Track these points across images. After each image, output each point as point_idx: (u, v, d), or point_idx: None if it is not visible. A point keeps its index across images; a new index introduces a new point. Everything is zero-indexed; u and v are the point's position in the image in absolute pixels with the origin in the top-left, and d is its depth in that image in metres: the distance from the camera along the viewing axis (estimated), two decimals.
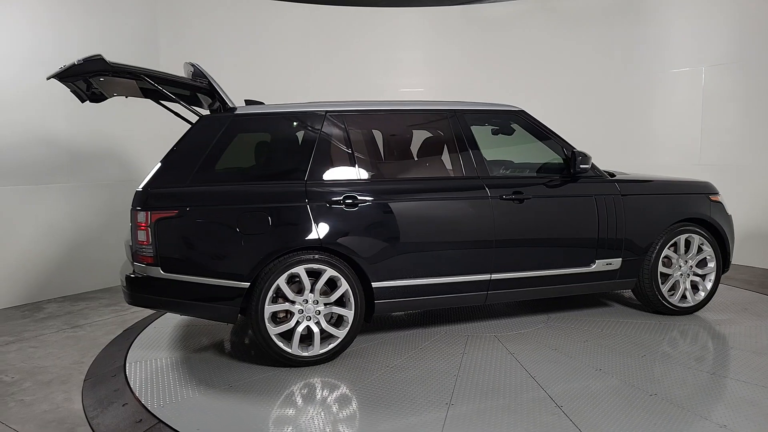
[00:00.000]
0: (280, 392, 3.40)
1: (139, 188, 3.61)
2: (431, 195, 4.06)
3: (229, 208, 3.64)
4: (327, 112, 4.03)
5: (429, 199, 4.04)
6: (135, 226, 3.57)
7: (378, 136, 4.50)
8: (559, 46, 8.05)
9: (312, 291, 3.75)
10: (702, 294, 4.75)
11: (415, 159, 4.55)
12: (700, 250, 4.71)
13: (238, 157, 3.99)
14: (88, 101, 4.28)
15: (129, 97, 4.46)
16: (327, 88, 7.75)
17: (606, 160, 6.58)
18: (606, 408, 3.10)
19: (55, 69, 3.63)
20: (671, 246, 4.62)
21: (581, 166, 4.30)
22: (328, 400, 3.32)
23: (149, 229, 3.51)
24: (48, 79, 3.68)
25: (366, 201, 3.86)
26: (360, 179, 3.97)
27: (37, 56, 5.53)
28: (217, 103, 3.94)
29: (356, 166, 3.99)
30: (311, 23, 8.03)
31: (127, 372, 3.76)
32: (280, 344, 3.69)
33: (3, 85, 5.45)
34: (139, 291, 3.64)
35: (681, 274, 4.67)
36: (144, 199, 3.57)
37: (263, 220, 3.66)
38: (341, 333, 3.81)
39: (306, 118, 4.00)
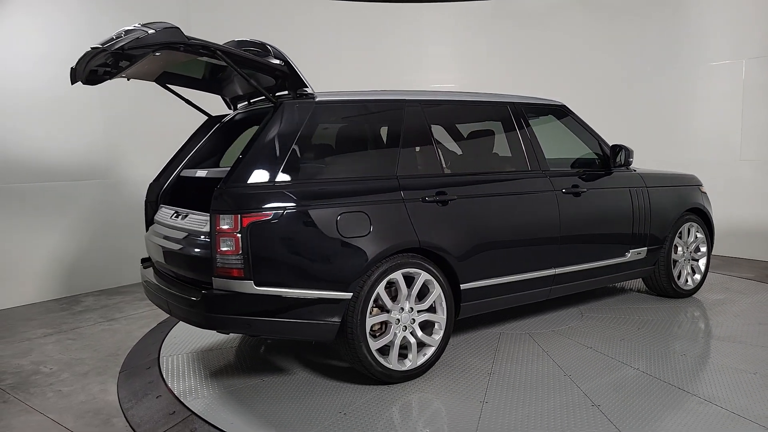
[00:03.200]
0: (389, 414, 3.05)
1: (222, 187, 3.03)
2: (512, 189, 3.97)
3: (328, 208, 3.18)
4: (406, 100, 3.71)
5: (510, 193, 3.94)
6: (215, 233, 2.98)
7: (453, 127, 4.35)
8: (593, 39, 7.90)
9: (408, 298, 3.40)
10: (698, 276, 5.16)
11: (489, 152, 4.38)
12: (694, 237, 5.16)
13: (321, 148, 3.61)
14: (79, 82, 3.52)
15: (134, 84, 3.96)
16: (356, 83, 7.74)
17: (643, 155, 6.45)
18: (729, 389, 3.19)
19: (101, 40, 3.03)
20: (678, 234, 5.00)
21: (629, 159, 4.50)
22: (492, 413, 3.00)
23: (239, 235, 2.95)
24: (111, 50, 2.92)
25: (455, 196, 3.61)
26: (446, 173, 3.76)
27: (74, 57, 5.62)
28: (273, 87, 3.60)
29: (439, 158, 3.75)
30: (342, 18, 8.03)
31: (160, 364, 3.81)
32: (382, 360, 3.30)
33: (42, 86, 5.60)
34: (221, 311, 3.03)
35: (684, 260, 5.05)
36: (230, 200, 3.00)
37: (364, 220, 3.25)
38: (435, 341, 3.50)
39: (388, 106, 3.70)
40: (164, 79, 3.86)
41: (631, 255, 4.60)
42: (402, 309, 3.39)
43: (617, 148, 4.49)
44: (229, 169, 3.17)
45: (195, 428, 2.96)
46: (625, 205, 4.55)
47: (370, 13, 8.16)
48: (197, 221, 3.31)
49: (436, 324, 3.53)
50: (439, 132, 4.08)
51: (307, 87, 3.40)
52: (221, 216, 2.98)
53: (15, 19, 5.49)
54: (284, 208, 3.06)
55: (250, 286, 2.98)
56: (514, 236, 3.91)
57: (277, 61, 3.33)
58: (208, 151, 4.07)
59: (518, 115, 4.18)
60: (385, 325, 3.37)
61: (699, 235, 5.10)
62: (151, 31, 2.84)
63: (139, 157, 6.40)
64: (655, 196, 4.74)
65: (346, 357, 3.34)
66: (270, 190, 3.09)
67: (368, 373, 3.31)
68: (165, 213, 3.76)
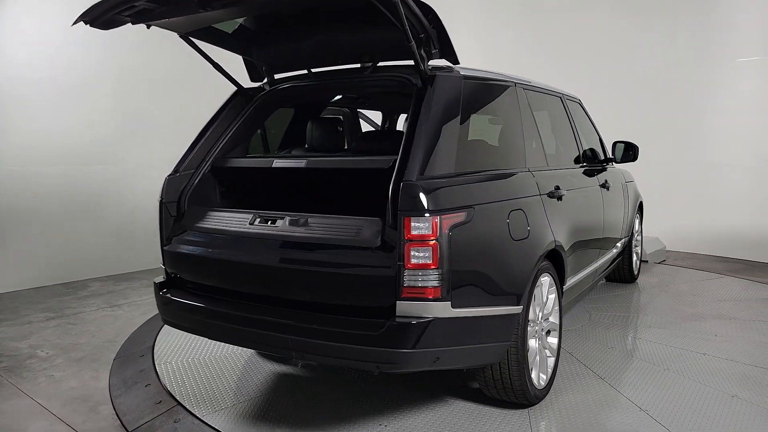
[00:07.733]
0: None
1: (409, 180, 2.30)
2: (590, 183, 3.96)
3: (502, 203, 2.67)
4: (516, 83, 3.25)
5: (591, 186, 3.95)
6: (404, 242, 2.26)
7: (543, 117, 3.98)
8: (619, 33, 7.64)
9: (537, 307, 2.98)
10: (638, 262, 5.56)
11: (564, 144, 4.06)
12: None
13: (470, 132, 2.92)
14: (83, 22, 2.85)
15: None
16: None
17: (668, 153, 6.25)
18: None
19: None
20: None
21: (636, 155, 4.58)
22: (669, 418, 2.79)
23: (436, 243, 2.25)
24: None
25: (565, 191, 3.29)
26: (552, 166, 3.40)
27: (85, 43, 5.64)
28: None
29: (544, 150, 3.39)
30: None
31: (155, 353, 3.78)
32: (534, 380, 2.85)
33: (57, 74, 5.62)
34: (406, 345, 2.27)
35: (634, 247, 5.43)
36: (425, 198, 2.27)
37: (523, 220, 2.76)
38: (554, 349, 3.09)
39: (512, 89, 3.19)
40: (191, 32, 2.99)
41: (620, 246, 4.74)
42: (537, 319, 2.96)
43: (623, 144, 4.53)
44: (324, 156, 2.96)
45: (179, 419, 2.90)
46: (622, 199, 4.69)
47: None
48: (343, 228, 2.52)
49: (552, 330, 3.13)
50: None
51: (455, 57, 2.77)
52: (414, 219, 2.25)
53: (27, 9, 5.50)
54: (473, 205, 2.44)
55: (447, 309, 2.32)
56: (592, 232, 3.90)
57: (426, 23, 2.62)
58: (240, 134, 3.25)
59: (568, 107, 4.12)
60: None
61: (638, 225, 5.49)
62: None
63: (148, 145, 6.39)
64: (630, 191, 4.99)
65: (490, 381, 2.79)
66: (460, 184, 2.48)
67: (522, 398, 2.81)
68: (228, 218, 2.89)
